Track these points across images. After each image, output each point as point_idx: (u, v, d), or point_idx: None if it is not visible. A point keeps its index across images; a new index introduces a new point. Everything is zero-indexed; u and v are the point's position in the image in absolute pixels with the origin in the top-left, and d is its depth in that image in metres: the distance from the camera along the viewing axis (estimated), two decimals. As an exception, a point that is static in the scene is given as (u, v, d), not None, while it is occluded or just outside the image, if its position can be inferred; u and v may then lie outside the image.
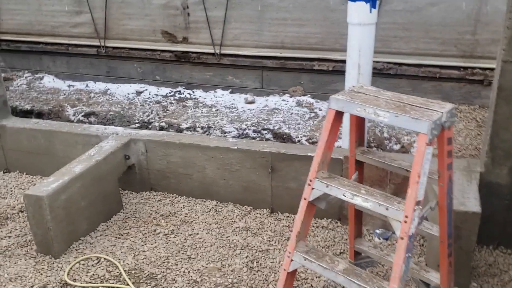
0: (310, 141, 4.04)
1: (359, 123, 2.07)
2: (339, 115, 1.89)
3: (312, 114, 4.50)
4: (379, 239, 3.06)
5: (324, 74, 4.63)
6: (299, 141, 4.06)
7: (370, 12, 3.11)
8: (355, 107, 1.78)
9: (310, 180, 1.90)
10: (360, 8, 3.10)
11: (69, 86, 5.57)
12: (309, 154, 3.21)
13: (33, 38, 5.59)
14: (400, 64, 4.38)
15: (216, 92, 5.14)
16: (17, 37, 5.66)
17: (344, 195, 1.81)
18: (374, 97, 1.83)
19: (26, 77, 5.78)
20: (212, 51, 4.96)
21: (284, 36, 4.69)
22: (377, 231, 3.10)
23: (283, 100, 4.82)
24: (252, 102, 4.86)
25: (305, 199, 1.93)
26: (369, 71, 3.29)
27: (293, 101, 4.76)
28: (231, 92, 5.10)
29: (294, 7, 4.52)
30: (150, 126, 4.64)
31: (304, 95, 4.80)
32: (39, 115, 4.97)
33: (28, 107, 5.06)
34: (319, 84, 4.73)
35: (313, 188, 1.90)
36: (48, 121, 4.10)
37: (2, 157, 4.08)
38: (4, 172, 4.09)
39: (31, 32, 5.58)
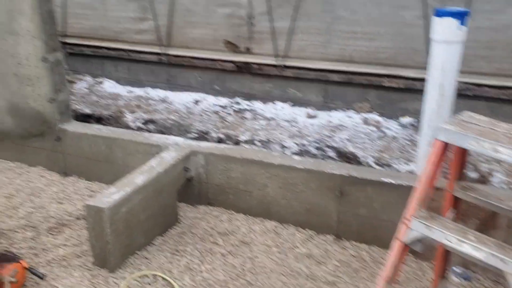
0: (379, 163, 3.78)
1: (461, 155, 1.83)
2: (446, 147, 1.65)
3: (380, 133, 4.23)
4: (459, 279, 2.76)
5: (394, 91, 4.36)
6: (366, 162, 3.81)
7: (458, 29, 2.84)
8: (468, 140, 1.55)
9: (407, 219, 1.67)
10: (447, 24, 2.85)
11: (129, 92, 5.55)
12: (382, 179, 2.97)
13: (97, 43, 5.63)
14: (479, 85, 4.05)
15: (276, 104, 4.96)
16: (81, 41, 5.72)
17: (447, 240, 1.57)
18: (490, 129, 1.59)
19: (87, 81, 5.83)
20: (274, 62, 4.80)
21: (352, 50, 4.46)
22: (456, 269, 2.81)
23: (347, 116, 4.58)
24: (314, 117, 4.65)
25: (399, 239, 1.70)
26: (452, 92, 3.01)
27: (358, 118, 4.51)
28: (291, 105, 4.91)
29: (366, 21, 4.29)
30: (207, 137, 4.52)
31: (370, 112, 4.55)
32: (99, 119, 4.97)
33: (88, 111, 5.07)
34: (387, 101, 4.46)
35: (409, 229, 1.67)
36: (109, 128, 4.06)
37: (62, 161, 4.07)
38: (63, 176, 4.07)
39: (95, 36, 5.63)
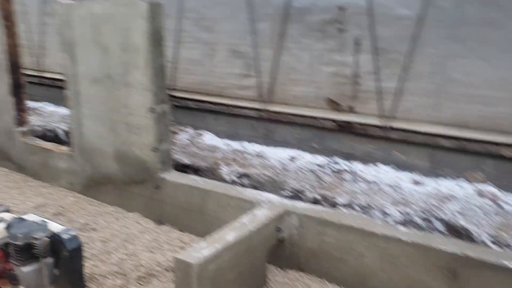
0: (496, 242, 3.31)
1: None
2: None
3: (497, 208, 3.75)
4: None
5: (515, 162, 3.90)
6: (481, 239, 3.36)
7: None
8: None
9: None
10: None
11: (226, 145, 5.62)
12: (505, 263, 2.54)
13: (201, 97, 5.84)
14: None
15: (378, 167, 4.68)
16: (187, 95, 5.98)
17: None
18: None
19: (189, 132, 6.03)
20: (379, 123, 4.57)
21: (466, 114, 4.11)
22: None
23: (458, 185, 4.15)
24: (420, 184, 4.29)
25: None
26: None
27: (471, 188, 4.06)
28: (395, 169, 4.59)
29: (483, 83, 3.95)
30: (302, 196, 4.35)
31: (485, 183, 4.08)
32: (196, 170, 5.04)
33: (187, 161, 5.18)
34: (506, 173, 3.98)
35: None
36: (205, 179, 4.06)
37: (158, 209, 4.12)
38: (157, 224, 4.11)
39: (200, 91, 5.85)
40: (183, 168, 5.19)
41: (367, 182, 4.44)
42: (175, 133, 6.02)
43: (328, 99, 4.89)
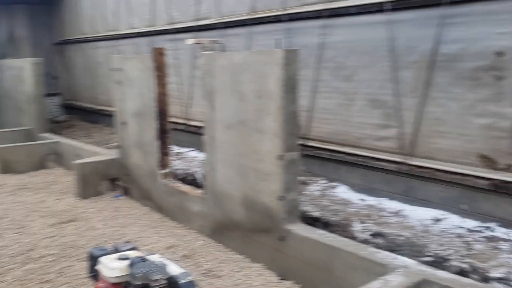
0: None
1: None
2: None
3: None
4: None
5: None
6: None
7: None
8: None
9: None
10: None
11: (361, 199, 5.24)
12: None
13: (335, 147, 5.62)
14: None
15: (544, 239, 3.87)
16: (321, 144, 5.80)
17: None
18: None
19: (321, 184, 5.79)
20: (546, 185, 3.82)
21: None
22: None
23: None
24: None
25: None
26: None
27: None
28: None
29: None
30: (446, 265, 3.75)
31: None
32: (326, 225, 4.74)
33: (317, 214, 4.92)
34: None
35: None
36: (333, 235, 3.76)
37: (282, 262, 3.91)
38: (280, 279, 3.89)
39: (334, 141, 5.63)
40: (312, 221, 4.94)
41: (530, 255, 3.68)
42: (306, 184, 5.84)
43: (479, 155, 4.27)
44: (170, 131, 5.58)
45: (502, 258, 3.68)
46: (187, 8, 7.70)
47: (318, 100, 5.73)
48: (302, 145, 6.01)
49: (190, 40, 4.63)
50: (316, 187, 5.75)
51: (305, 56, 5.78)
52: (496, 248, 3.86)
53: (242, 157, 4.14)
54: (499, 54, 4.01)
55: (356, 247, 3.45)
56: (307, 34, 5.68)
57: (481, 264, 3.64)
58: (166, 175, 5.52)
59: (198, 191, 5.05)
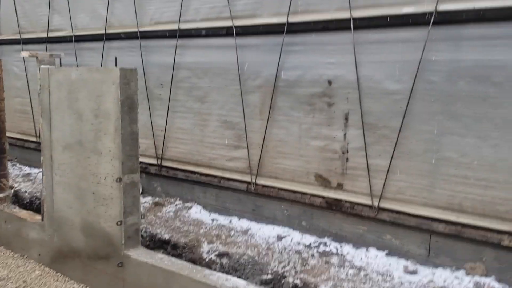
0: None
1: None
2: None
3: (499, 307, 3.27)
4: None
5: (518, 253, 3.45)
6: None
7: None
8: None
9: None
10: None
11: (213, 219, 5.29)
12: None
13: (190, 167, 5.61)
14: None
15: (368, 251, 4.25)
16: (177, 165, 5.76)
17: None
18: None
19: (176, 205, 5.73)
20: (369, 202, 4.22)
21: (462, 198, 3.73)
22: None
23: (456, 277, 3.69)
24: (413, 273, 3.84)
25: None
26: None
27: (469, 281, 3.60)
28: (387, 255, 4.16)
29: (480, 165, 3.62)
30: (282, 282, 3.93)
31: (486, 276, 3.61)
32: (175, 247, 4.69)
33: (167, 236, 4.84)
34: (508, 265, 3.52)
35: None
36: (172, 259, 3.70)
37: (121, 290, 3.75)
38: (118, 307, 3.72)
39: (190, 161, 5.63)
40: (161, 244, 4.85)
41: (355, 268, 4.00)
42: (161, 205, 5.74)
43: (316, 174, 4.59)
44: (7, 150, 5.09)
45: (331, 272, 3.96)
46: (37, 18, 7.19)
47: (174, 120, 5.69)
48: (159, 165, 5.92)
49: (24, 52, 4.28)
50: (170, 208, 5.67)
51: (161, 75, 5.73)
52: (327, 263, 4.14)
53: (81, 180, 3.92)
54: (329, 82, 4.36)
55: (191, 271, 3.43)
56: (163, 53, 5.64)
57: (313, 278, 3.87)
58: (1, 200, 5.01)
59: (38, 217, 4.66)
